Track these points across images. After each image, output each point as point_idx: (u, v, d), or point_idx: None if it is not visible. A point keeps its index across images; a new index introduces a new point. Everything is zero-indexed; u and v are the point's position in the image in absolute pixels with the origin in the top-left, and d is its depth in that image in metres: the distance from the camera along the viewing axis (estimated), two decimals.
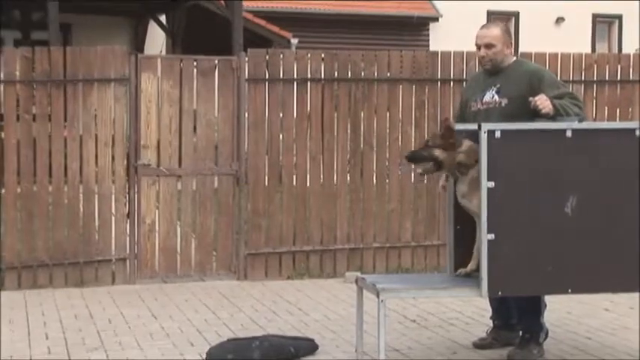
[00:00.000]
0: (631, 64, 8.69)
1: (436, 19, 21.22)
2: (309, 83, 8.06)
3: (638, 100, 8.64)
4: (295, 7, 20.28)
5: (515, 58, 5.50)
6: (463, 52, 8.29)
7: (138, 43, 18.20)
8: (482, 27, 5.43)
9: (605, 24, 22.80)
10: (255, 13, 18.00)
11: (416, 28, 21.13)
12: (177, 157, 7.87)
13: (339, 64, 8.15)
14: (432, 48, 18.46)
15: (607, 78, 8.60)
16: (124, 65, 7.72)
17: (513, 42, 5.57)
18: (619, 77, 8.65)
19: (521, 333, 5.39)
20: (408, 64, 8.31)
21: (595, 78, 8.57)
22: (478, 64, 5.64)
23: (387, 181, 8.24)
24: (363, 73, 8.19)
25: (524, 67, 5.34)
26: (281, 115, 8.03)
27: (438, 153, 4.96)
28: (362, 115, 8.18)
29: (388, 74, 8.24)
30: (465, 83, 8.01)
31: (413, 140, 8.22)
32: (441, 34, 20.38)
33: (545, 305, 5.44)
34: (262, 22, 17.83)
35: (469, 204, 4.94)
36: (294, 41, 17.82)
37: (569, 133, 4.79)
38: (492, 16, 20.13)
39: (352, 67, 8.18)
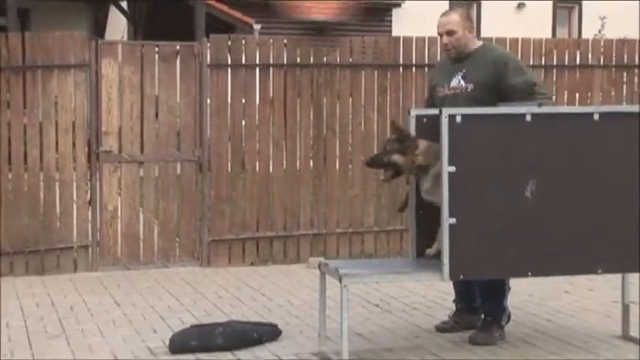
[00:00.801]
0: (590, 49, 8.79)
1: (398, 5, 21.21)
2: (271, 69, 8.05)
3: (596, 84, 8.74)
4: None
5: (481, 42, 5.53)
6: (425, 38, 8.32)
7: (98, 29, 18.00)
8: (442, 15, 5.46)
9: (566, 9, 22.97)
10: None
11: (378, 13, 21.10)
12: (139, 144, 7.82)
13: (301, 49, 8.14)
14: (394, 33, 18.45)
15: (566, 63, 8.68)
16: (84, 51, 7.65)
17: (475, 28, 5.60)
18: (578, 62, 8.73)
19: (483, 316, 5.44)
20: (370, 50, 8.32)
21: (555, 63, 8.65)
22: (442, 52, 5.66)
23: (350, 166, 8.26)
24: (325, 59, 8.19)
25: (491, 52, 5.37)
26: (243, 101, 8.01)
27: (396, 158, 5.00)
28: (325, 100, 8.19)
29: (350, 60, 8.25)
30: (427, 69, 8.06)
31: (375, 126, 8.26)
32: (404, 20, 20.39)
33: (510, 288, 5.49)
34: (225, 8, 17.71)
35: (435, 198, 4.96)
36: (257, 27, 17.72)
37: (528, 118, 4.83)
38: (454, 2, 20.18)
39: (315, 52, 8.17)
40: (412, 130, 5.12)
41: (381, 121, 8.26)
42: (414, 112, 5.23)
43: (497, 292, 5.38)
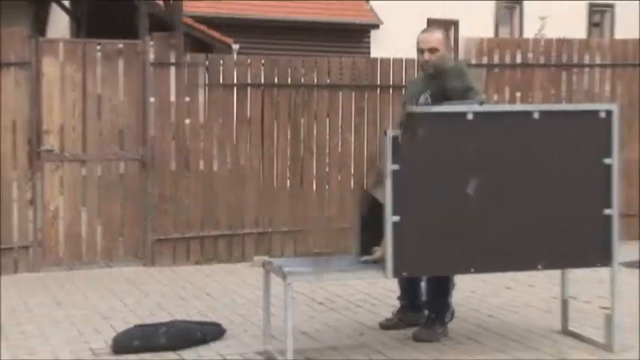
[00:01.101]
0: (530, 48, 8.92)
1: (377, 27, 21.25)
2: (249, 89, 8.03)
3: (537, 83, 8.88)
4: (237, 12, 20.01)
5: (452, 63, 5.57)
6: (402, 60, 8.40)
7: (40, 27, 17.72)
8: (425, 31, 5.48)
9: (507, 9, 23.27)
10: (197, 19, 17.71)
11: (357, 35, 21.09)
12: (82, 142, 7.74)
13: (279, 70, 8.14)
14: (372, 55, 18.47)
15: (508, 62, 8.80)
16: (25, 49, 7.54)
17: (453, 50, 5.63)
18: (519, 61, 8.86)
19: (427, 312, 5.50)
20: (348, 71, 8.35)
21: (496, 62, 8.77)
22: (419, 68, 5.66)
23: (327, 187, 8.27)
24: (303, 79, 8.19)
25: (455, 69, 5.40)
26: (221, 120, 7.97)
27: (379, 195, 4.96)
28: (302, 121, 8.18)
29: (328, 81, 8.27)
30: (404, 90, 8.09)
31: (353, 146, 8.29)
32: (382, 42, 20.42)
33: (454, 285, 5.55)
34: (203, 28, 17.59)
35: (377, 196, 4.99)
36: (236, 47, 17.65)
37: (470, 116, 4.89)
38: (433, 24, 20.23)
39: (292, 73, 8.18)
40: (389, 150, 5.05)
41: (358, 141, 8.31)
42: (390, 133, 5.23)
43: (441, 289, 5.43)
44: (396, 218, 4.78)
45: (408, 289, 5.67)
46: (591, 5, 23.44)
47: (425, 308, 5.54)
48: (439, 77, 5.34)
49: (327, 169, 8.28)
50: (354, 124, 8.33)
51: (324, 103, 8.27)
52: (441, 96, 5.24)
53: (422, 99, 5.40)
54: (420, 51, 5.38)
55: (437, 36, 5.40)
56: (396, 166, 4.77)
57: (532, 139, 4.97)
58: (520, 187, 4.97)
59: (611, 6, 23.33)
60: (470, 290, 6.64)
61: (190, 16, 16.98)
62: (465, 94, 5.19)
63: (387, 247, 4.81)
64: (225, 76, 8.00)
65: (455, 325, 5.63)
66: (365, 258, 5.07)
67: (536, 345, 5.27)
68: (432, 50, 5.34)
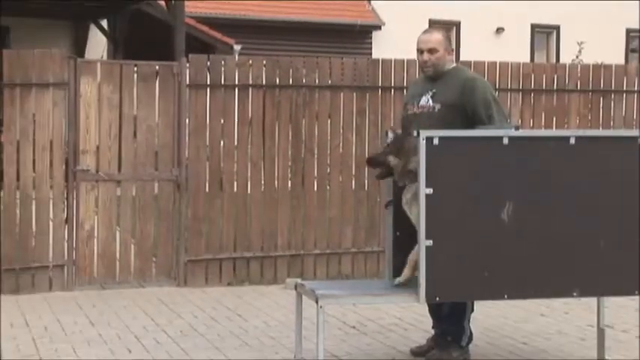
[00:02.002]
0: (567, 73, 8.87)
1: (379, 28, 21.36)
2: (250, 89, 8.06)
3: (573, 108, 8.81)
4: (239, 13, 20.23)
5: (454, 64, 5.57)
6: (404, 60, 8.37)
7: (78, 48, 17.97)
8: (425, 32, 5.50)
9: (544, 34, 23.19)
10: (198, 19, 17.92)
11: (358, 35, 21.23)
12: (117, 163, 7.80)
13: (280, 70, 8.16)
14: (374, 56, 18.56)
15: (544, 87, 8.75)
16: (63, 69, 7.63)
17: (454, 51, 5.64)
18: (555, 86, 8.81)
19: (442, 334, 5.43)
20: (350, 72, 8.36)
21: (532, 87, 8.72)
22: (419, 70, 5.69)
23: (328, 187, 8.27)
24: (304, 80, 8.21)
25: (460, 75, 5.41)
26: (222, 121, 8.01)
27: (390, 159, 5.04)
28: (303, 121, 8.20)
29: (329, 81, 8.28)
30: (405, 91, 8.10)
31: (354, 147, 8.28)
32: (384, 42, 20.52)
33: (473, 309, 5.49)
34: (205, 29, 17.76)
35: (409, 212, 4.98)
36: (237, 47, 17.77)
37: (506, 141, 4.86)
38: (434, 25, 20.32)
39: (294, 73, 8.20)
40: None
41: (360, 142, 8.29)
42: (391, 134, 5.25)
43: (457, 312, 5.37)
44: (429, 242, 4.76)
45: (437, 315, 5.60)
46: (629, 31, 23.29)
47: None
48: (440, 79, 5.35)
49: (328, 170, 8.26)
50: (356, 124, 8.30)
51: (326, 104, 8.25)
52: (445, 98, 5.24)
53: (423, 100, 5.38)
54: (420, 51, 5.40)
55: (436, 37, 5.40)
56: (429, 190, 4.75)
57: (568, 164, 4.93)
58: (555, 213, 4.92)
59: None
60: (503, 316, 6.57)
61: (192, 17, 17.16)
62: (487, 122, 5.17)
63: (420, 272, 4.77)
64: (227, 77, 8.02)
65: (487, 351, 5.57)
66: (397, 281, 5.05)
67: None
68: (432, 51, 5.34)
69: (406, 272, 5.01)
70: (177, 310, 6.91)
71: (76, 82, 7.65)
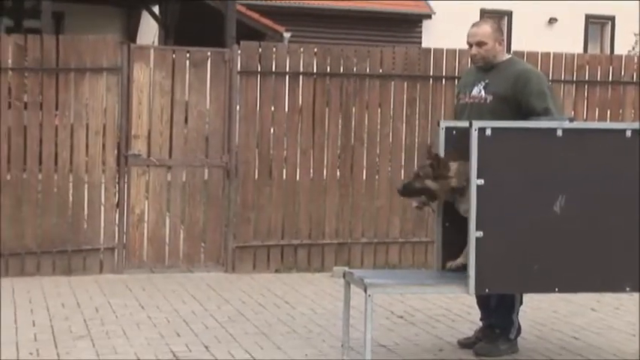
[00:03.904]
0: (623, 65, 8.72)
1: (429, 17, 21.24)
2: (301, 77, 8.07)
3: (629, 101, 8.67)
4: (289, 1, 20.26)
5: (509, 55, 5.52)
6: (455, 50, 8.30)
7: (130, 34, 18.16)
8: (473, 25, 5.46)
9: (598, 25, 22.86)
10: (249, 7, 17.98)
11: (409, 25, 21.15)
12: (168, 148, 7.86)
13: (331, 58, 8.15)
14: (424, 45, 18.47)
15: (598, 79, 8.63)
16: (116, 55, 7.70)
17: (505, 41, 5.59)
18: (610, 78, 8.68)
19: (491, 327, 5.41)
20: (400, 61, 8.31)
21: (586, 78, 8.60)
22: (470, 62, 5.66)
23: (377, 177, 8.25)
24: (355, 69, 8.20)
25: (515, 67, 5.36)
26: (272, 108, 8.03)
27: (429, 184, 4.95)
28: (353, 110, 8.19)
29: (380, 70, 8.25)
30: (457, 81, 8.04)
31: (403, 137, 8.24)
32: (434, 32, 20.41)
33: (521, 302, 5.45)
34: (255, 16, 17.81)
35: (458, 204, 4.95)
36: (287, 35, 17.80)
37: (559, 133, 4.80)
38: (485, 15, 20.15)
39: (344, 62, 8.18)
40: (442, 142, 5.10)
41: (409, 132, 8.25)
42: (443, 124, 5.22)
43: (506, 304, 5.34)
44: (479, 233, 4.73)
45: (485, 307, 5.57)
46: None
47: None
48: (493, 69, 5.31)
49: (377, 159, 8.23)
50: (406, 114, 8.26)
51: (376, 93, 8.22)
52: (497, 89, 5.20)
53: (475, 90, 5.35)
54: (469, 45, 5.37)
55: (484, 29, 5.35)
56: (480, 181, 4.72)
57: (622, 157, 4.86)
58: (608, 206, 4.85)
59: None
60: (552, 310, 6.51)
61: (242, 4, 17.20)
62: (542, 115, 5.12)
63: (470, 263, 4.75)
64: (278, 64, 8.02)
65: (536, 345, 5.53)
66: (450, 264, 5.00)
67: None
68: (480, 44, 5.31)
69: (460, 259, 4.97)
70: (225, 295, 6.96)
71: (129, 68, 7.72)
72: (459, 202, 4.95)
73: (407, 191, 5.12)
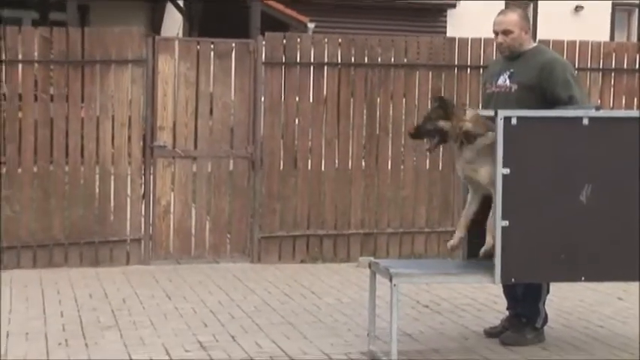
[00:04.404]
0: None
1: (453, 6, 21.10)
2: (325, 68, 8.07)
3: None
4: None
5: (535, 44, 5.49)
6: (481, 39, 8.27)
7: (155, 26, 18.20)
8: (500, 13, 5.44)
9: (625, 12, 22.63)
10: None
11: (433, 14, 21.02)
12: (193, 139, 7.90)
13: (355, 49, 8.14)
14: (448, 34, 18.36)
15: (625, 66, 8.55)
16: (141, 47, 7.74)
17: (531, 29, 5.56)
18: (637, 66, 8.60)
19: (518, 316, 5.40)
20: (425, 50, 8.29)
21: (613, 66, 8.53)
22: (496, 51, 5.64)
23: (402, 167, 8.24)
24: (379, 59, 8.18)
25: (540, 55, 5.33)
26: (297, 99, 8.04)
27: (442, 123, 4.95)
28: (378, 100, 8.18)
29: (405, 60, 8.23)
30: (482, 70, 8.01)
31: None
32: (458, 21, 20.28)
33: (548, 291, 5.44)
34: (280, 7, 17.79)
35: (474, 173, 4.91)
36: (311, 26, 17.76)
37: (585, 122, 4.78)
38: (511, 3, 20.00)
39: (369, 52, 8.17)
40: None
41: None
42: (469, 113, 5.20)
43: (532, 293, 5.33)
44: (505, 223, 4.72)
45: (512, 296, 5.56)
46: None
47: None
48: (519, 58, 5.28)
49: (402, 149, 8.22)
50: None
51: (401, 83, 8.20)
52: (523, 78, 5.18)
53: (501, 80, 5.34)
54: (495, 33, 5.35)
55: (510, 18, 5.32)
56: (506, 170, 4.70)
57: None
58: (635, 195, 4.82)
59: None
60: (579, 299, 6.48)
61: None
62: (568, 103, 5.09)
63: (496, 253, 4.74)
64: (302, 55, 8.02)
65: (562, 333, 5.52)
66: (483, 250, 4.96)
67: None
68: (506, 32, 5.28)
69: (489, 240, 4.93)
70: (251, 286, 7.00)
71: (154, 60, 7.75)
72: (467, 148, 4.91)
73: (418, 133, 5.13)
